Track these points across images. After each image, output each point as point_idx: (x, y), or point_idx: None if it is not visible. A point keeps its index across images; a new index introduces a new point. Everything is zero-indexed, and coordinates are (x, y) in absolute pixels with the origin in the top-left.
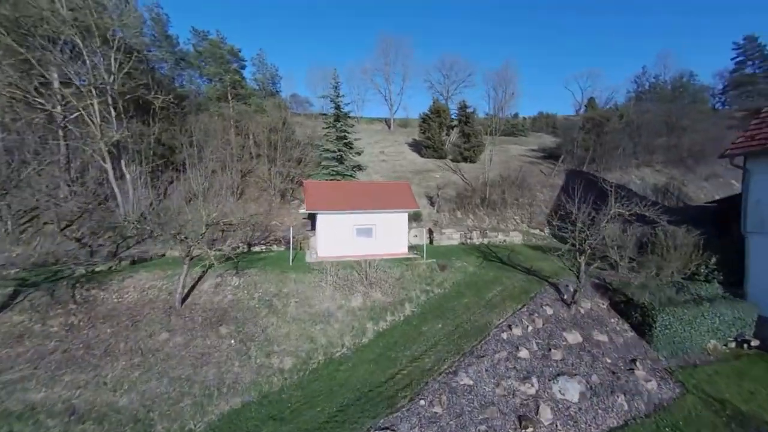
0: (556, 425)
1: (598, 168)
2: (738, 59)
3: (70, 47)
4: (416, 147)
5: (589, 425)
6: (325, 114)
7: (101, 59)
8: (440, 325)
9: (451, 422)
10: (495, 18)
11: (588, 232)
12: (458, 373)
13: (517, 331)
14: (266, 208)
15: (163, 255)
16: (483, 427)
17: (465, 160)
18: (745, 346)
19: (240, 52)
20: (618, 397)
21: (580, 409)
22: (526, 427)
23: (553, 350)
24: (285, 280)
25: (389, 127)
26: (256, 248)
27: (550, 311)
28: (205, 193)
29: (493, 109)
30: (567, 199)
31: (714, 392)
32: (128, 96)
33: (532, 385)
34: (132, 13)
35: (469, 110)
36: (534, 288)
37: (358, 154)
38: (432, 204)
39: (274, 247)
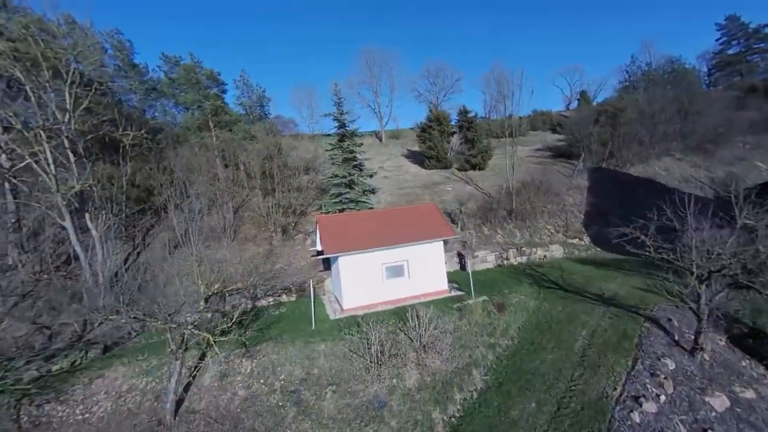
0: None
1: (618, 163)
2: (722, 39)
3: (5, 83)
4: (415, 158)
5: None
6: (328, 134)
7: (51, 96)
8: (533, 404)
9: None
10: (479, 19)
11: (712, 251)
12: None
13: (649, 407)
14: (267, 248)
15: (144, 327)
16: None
17: (473, 167)
18: None
19: (219, 75)
20: None
21: None
22: None
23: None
24: (312, 354)
25: (380, 140)
26: (263, 301)
27: (671, 364)
28: (198, 251)
29: (494, 109)
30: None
31: None
32: (91, 135)
33: None
34: (89, 41)
35: (470, 114)
36: (630, 328)
37: (371, 176)
38: (454, 222)
39: (284, 297)
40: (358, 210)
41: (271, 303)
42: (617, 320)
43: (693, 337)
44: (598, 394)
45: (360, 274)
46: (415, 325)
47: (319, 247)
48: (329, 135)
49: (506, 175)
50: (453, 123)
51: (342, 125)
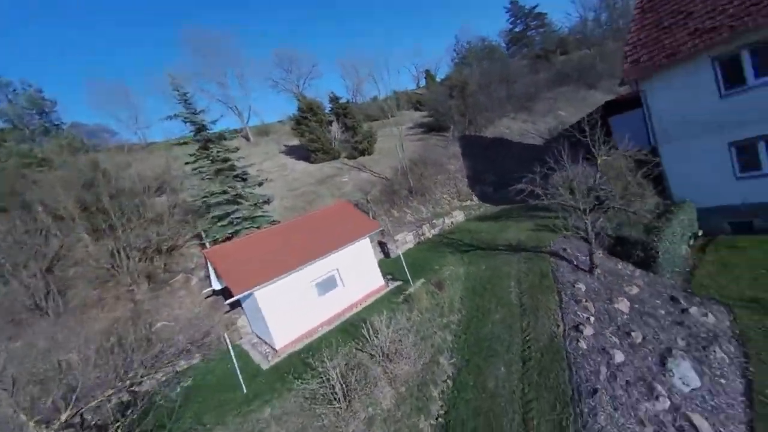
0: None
1: (476, 128)
2: (510, 20)
3: None
4: (297, 154)
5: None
6: (183, 141)
7: None
8: (503, 369)
9: None
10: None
11: (591, 187)
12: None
13: (588, 331)
14: (130, 307)
15: None
16: None
17: (361, 153)
18: (693, 240)
19: None
20: (714, 347)
21: (709, 391)
22: None
23: (632, 333)
24: (258, 427)
25: (248, 138)
26: (149, 383)
27: (582, 287)
28: None
29: (358, 92)
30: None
31: (738, 294)
32: None
33: (661, 396)
34: None
35: (341, 100)
36: (543, 266)
37: (260, 184)
38: (365, 213)
39: (183, 364)
40: (258, 228)
41: (165, 379)
42: (531, 263)
43: (587, 258)
44: (548, 337)
45: (287, 303)
46: (371, 337)
47: (217, 285)
48: (184, 142)
49: (395, 156)
50: (327, 111)
51: (201, 128)
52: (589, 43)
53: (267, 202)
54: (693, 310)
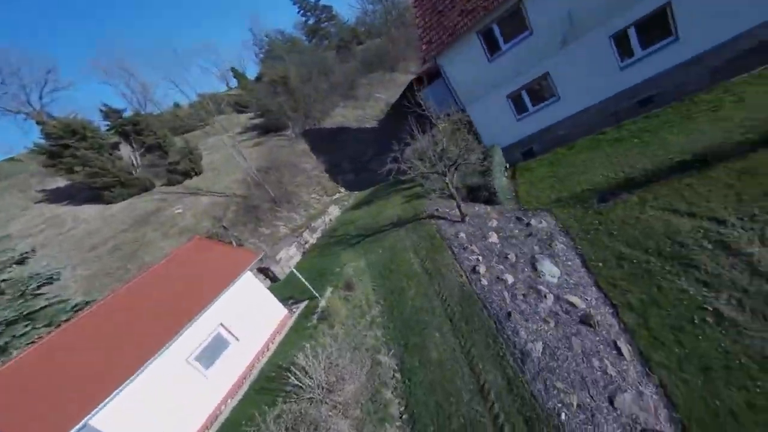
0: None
1: (315, 121)
2: (300, 11)
3: None
4: (74, 197)
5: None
6: None
7: None
8: (438, 335)
9: None
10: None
11: (442, 150)
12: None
13: (482, 269)
14: None
15: None
16: None
17: (186, 175)
18: (507, 172)
19: None
20: (554, 242)
21: (567, 274)
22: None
23: (508, 255)
24: None
25: None
26: None
27: (463, 235)
28: None
29: (143, 101)
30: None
31: (547, 200)
32: None
33: (546, 294)
34: None
35: (127, 114)
36: (428, 230)
37: (21, 262)
38: (228, 242)
39: None
40: (49, 327)
41: None
42: (417, 231)
43: (456, 211)
44: (458, 288)
45: (155, 409)
46: (301, 379)
47: None
48: None
49: (237, 168)
50: (105, 130)
51: None
52: (377, 33)
53: (50, 281)
54: (532, 221)
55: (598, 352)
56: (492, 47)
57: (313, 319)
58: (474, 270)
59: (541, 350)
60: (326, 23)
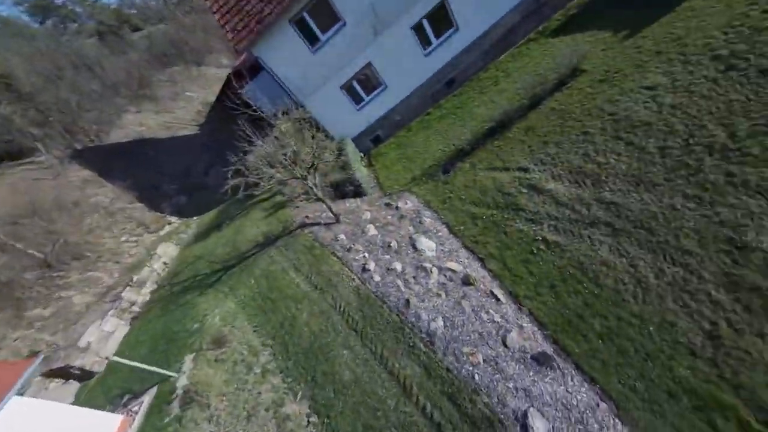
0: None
1: (95, 137)
2: None
3: None
4: None
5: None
6: None
7: None
8: (345, 353)
9: None
10: None
11: (295, 158)
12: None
13: (371, 265)
14: None
15: None
16: None
17: None
18: (363, 162)
19: None
20: (423, 218)
21: (441, 244)
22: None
23: (390, 244)
24: None
25: None
26: None
27: (342, 236)
28: None
29: None
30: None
31: (404, 180)
32: None
33: (431, 269)
34: None
35: None
36: (305, 241)
37: None
38: None
39: None
40: None
41: None
42: (292, 245)
43: (328, 213)
44: (354, 293)
45: None
46: None
47: None
48: None
49: None
50: None
51: None
52: (156, 17)
53: None
54: (399, 204)
55: (483, 306)
56: (311, 38)
57: (173, 408)
58: (364, 269)
59: (442, 325)
60: (66, 1)
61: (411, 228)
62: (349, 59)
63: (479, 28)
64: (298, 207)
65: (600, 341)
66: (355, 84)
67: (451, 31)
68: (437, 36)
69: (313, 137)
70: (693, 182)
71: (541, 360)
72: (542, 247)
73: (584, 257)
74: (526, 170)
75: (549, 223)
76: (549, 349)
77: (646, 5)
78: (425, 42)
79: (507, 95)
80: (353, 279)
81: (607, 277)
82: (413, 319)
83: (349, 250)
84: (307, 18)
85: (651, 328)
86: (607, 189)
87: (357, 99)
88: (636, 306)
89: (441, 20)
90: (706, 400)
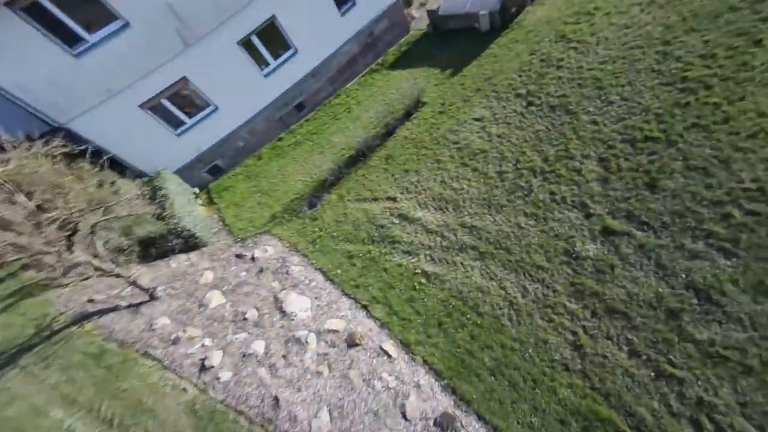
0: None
1: None
2: None
3: None
4: None
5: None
6: None
7: None
8: None
9: None
10: None
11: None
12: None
13: (215, 359)
14: None
15: None
16: None
17: None
18: (198, 199)
19: None
20: (288, 268)
21: (317, 298)
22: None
23: (246, 312)
24: None
25: None
26: None
27: (166, 321)
28: None
29: None
30: None
31: (260, 220)
32: None
33: (307, 337)
34: None
35: None
36: (92, 348)
37: None
38: None
39: None
40: None
41: None
42: (59, 361)
43: (131, 289)
44: (187, 414)
45: None
46: None
47: None
48: None
49: None
50: None
51: None
52: None
53: None
54: (257, 252)
55: (374, 370)
56: (67, 36)
57: None
58: (203, 367)
59: (328, 420)
60: None
61: (275, 284)
62: (148, 71)
63: (320, 54)
64: (73, 285)
65: (492, 377)
66: (167, 103)
67: (290, 53)
68: (275, 57)
69: (80, 177)
70: (528, 201)
71: (444, 424)
72: (423, 280)
73: (461, 285)
74: (394, 200)
75: (425, 253)
76: (450, 403)
77: (460, 50)
78: (261, 62)
79: (362, 123)
80: (184, 390)
81: (485, 303)
82: (287, 425)
83: (176, 341)
84: (50, 7)
85: (530, 351)
86: (467, 213)
87: (174, 122)
88: (513, 329)
89: (276, 40)
90: (588, 418)
